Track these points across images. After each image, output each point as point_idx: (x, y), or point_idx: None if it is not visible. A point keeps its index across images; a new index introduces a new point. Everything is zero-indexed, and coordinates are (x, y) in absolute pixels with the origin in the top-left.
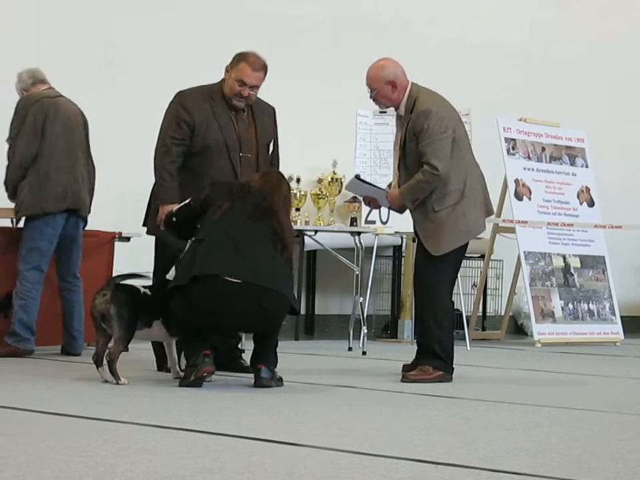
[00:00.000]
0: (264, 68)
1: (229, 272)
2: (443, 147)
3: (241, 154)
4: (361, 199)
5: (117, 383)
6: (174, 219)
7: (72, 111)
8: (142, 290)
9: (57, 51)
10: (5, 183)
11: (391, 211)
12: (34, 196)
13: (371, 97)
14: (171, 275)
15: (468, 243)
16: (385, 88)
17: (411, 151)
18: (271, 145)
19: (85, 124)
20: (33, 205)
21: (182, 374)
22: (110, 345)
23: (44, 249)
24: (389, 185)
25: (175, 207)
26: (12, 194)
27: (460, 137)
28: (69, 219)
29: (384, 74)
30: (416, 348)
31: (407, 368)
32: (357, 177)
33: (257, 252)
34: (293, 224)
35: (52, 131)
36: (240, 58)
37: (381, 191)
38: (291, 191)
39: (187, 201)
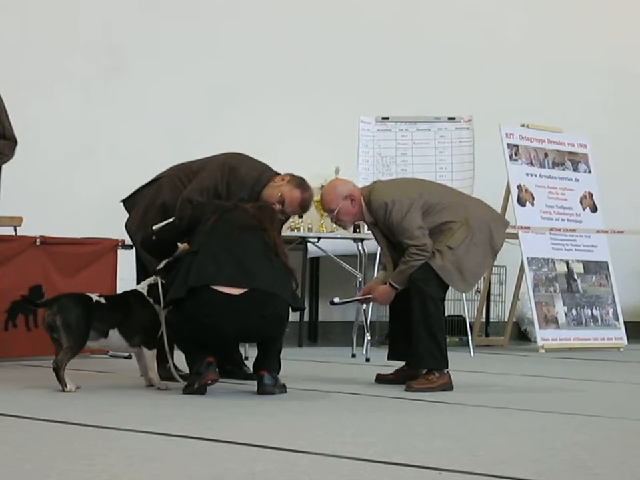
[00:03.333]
0: (306, 211)
1: (227, 281)
2: (412, 225)
3: None
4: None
5: (63, 390)
6: (153, 237)
7: None
8: (94, 298)
9: (59, 54)
10: None
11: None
12: None
13: (332, 219)
14: (141, 286)
15: None
16: (344, 204)
17: (392, 235)
18: None
19: None
20: None
21: (182, 381)
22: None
23: None
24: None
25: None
26: None
27: (431, 191)
28: None
29: (339, 191)
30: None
31: (383, 377)
32: (332, 302)
33: (252, 258)
34: (295, 230)
35: None
36: (301, 186)
37: (365, 297)
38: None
39: (170, 220)
